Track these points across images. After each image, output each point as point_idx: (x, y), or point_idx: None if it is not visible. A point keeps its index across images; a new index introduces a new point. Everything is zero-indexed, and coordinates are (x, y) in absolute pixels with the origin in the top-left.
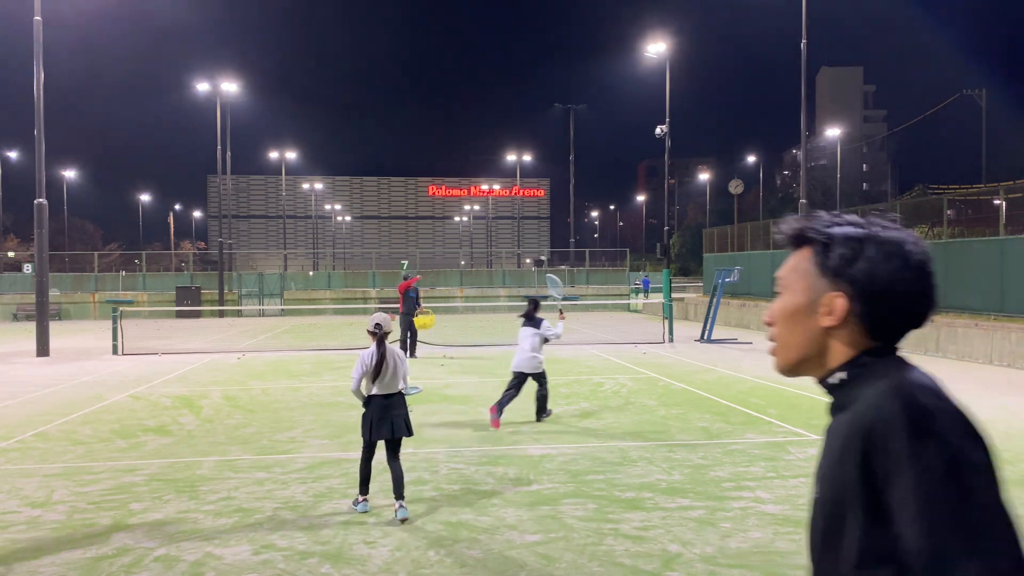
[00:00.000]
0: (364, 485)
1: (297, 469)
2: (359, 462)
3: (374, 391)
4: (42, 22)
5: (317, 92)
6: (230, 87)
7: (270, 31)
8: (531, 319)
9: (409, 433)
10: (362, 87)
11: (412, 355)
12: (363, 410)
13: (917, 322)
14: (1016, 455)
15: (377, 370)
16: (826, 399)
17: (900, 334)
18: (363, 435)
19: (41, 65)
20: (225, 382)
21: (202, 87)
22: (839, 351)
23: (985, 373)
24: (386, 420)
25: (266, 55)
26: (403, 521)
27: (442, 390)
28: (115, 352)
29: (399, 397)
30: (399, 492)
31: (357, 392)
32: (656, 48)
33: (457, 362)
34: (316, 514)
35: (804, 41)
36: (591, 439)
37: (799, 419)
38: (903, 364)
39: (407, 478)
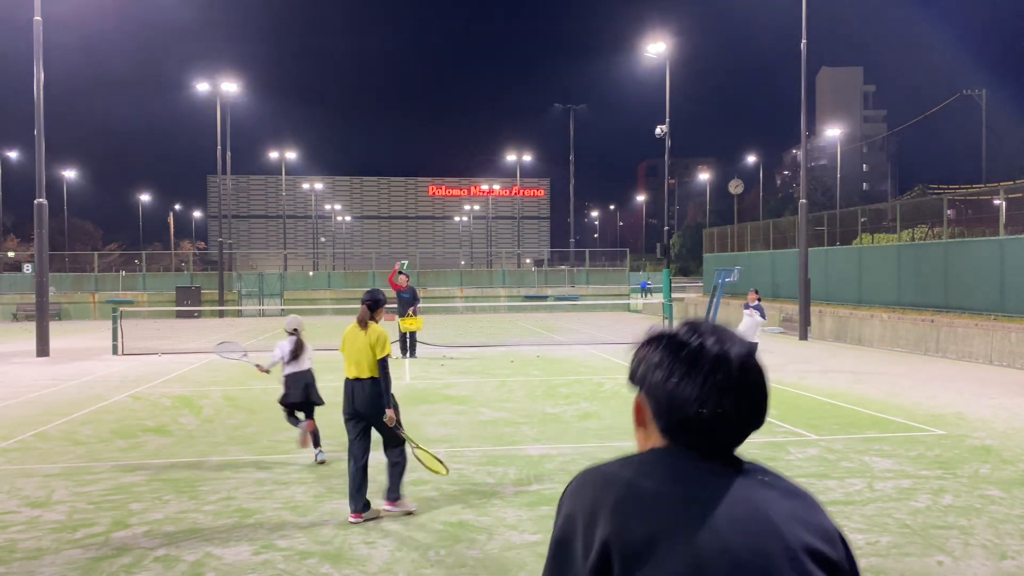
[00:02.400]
0: (304, 433)
1: (297, 469)
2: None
3: (289, 371)
4: (42, 22)
5: (317, 92)
6: (230, 87)
7: (270, 31)
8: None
9: (320, 402)
10: (362, 87)
11: (413, 355)
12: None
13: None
14: (1016, 455)
15: (294, 355)
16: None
17: (711, 446)
18: (281, 401)
19: (41, 65)
20: (225, 382)
21: (202, 87)
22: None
23: (985, 373)
24: (302, 389)
25: (266, 55)
26: (321, 463)
27: (442, 390)
28: (115, 352)
29: (309, 373)
30: (316, 442)
31: (274, 367)
32: (656, 48)
33: (457, 362)
34: (316, 514)
35: (804, 41)
36: (591, 439)
37: (799, 419)
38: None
39: (408, 478)
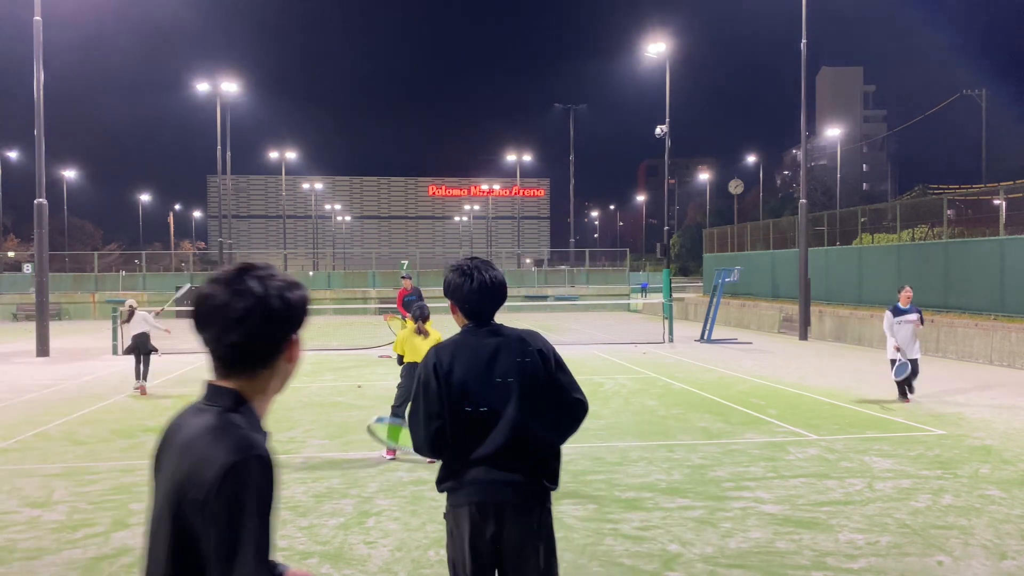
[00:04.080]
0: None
1: (297, 469)
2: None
3: (131, 332)
4: (42, 22)
5: (317, 92)
6: (230, 87)
7: (270, 31)
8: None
9: (151, 351)
10: (362, 87)
11: None
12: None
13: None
14: (1016, 455)
15: (127, 320)
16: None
17: (479, 317)
18: (127, 350)
19: (41, 65)
20: None
21: (202, 87)
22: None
23: (985, 373)
24: (135, 344)
25: (266, 55)
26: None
27: None
28: (115, 352)
29: (144, 335)
30: (138, 376)
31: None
32: (656, 48)
33: None
34: (316, 514)
35: (804, 41)
36: (591, 439)
37: (799, 419)
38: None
39: (408, 478)
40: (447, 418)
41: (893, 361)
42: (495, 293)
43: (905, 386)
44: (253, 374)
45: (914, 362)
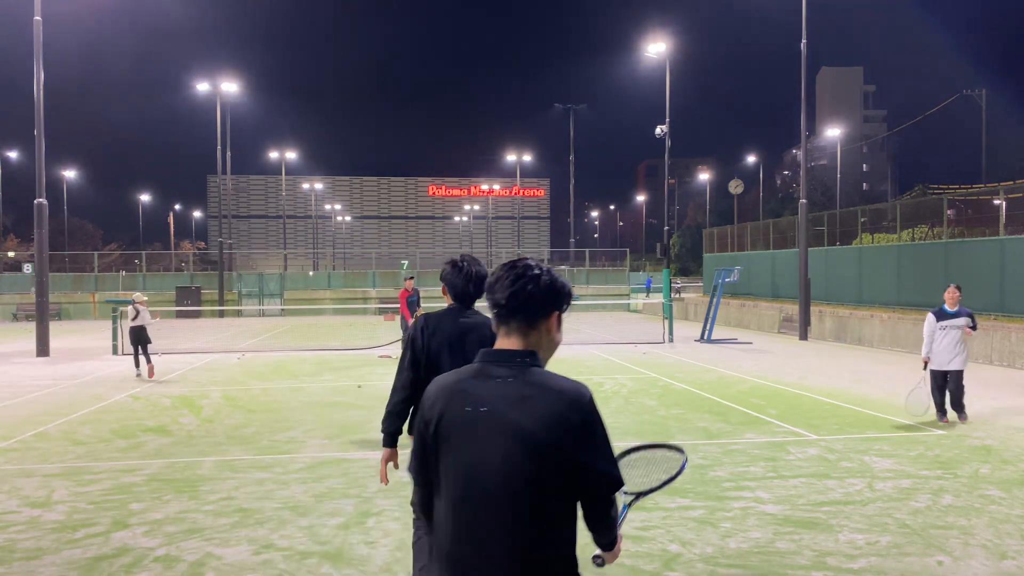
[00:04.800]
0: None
1: (297, 469)
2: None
3: (131, 325)
4: (42, 22)
5: (317, 92)
6: (230, 87)
7: (270, 31)
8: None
9: (149, 341)
10: (362, 87)
11: None
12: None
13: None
14: (1016, 455)
15: (134, 317)
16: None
17: (463, 300)
18: (130, 342)
19: (41, 65)
20: (225, 382)
21: (202, 87)
22: None
23: (985, 373)
24: (136, 335)
25: (266, 55)
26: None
27: None
28: (115, 352)
29: (142, 328)
30: (148, 361)
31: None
32: (656, 48)
33: None
34: (316, 514)
35: (804, 41)
36: None
37: (799, 419)
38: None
39: (408, 478)
40: (422, 364)
41: (925, 366)
42: (477, 283)
43: (943, 405)
44: (526, 335)
45: (957, 374)
